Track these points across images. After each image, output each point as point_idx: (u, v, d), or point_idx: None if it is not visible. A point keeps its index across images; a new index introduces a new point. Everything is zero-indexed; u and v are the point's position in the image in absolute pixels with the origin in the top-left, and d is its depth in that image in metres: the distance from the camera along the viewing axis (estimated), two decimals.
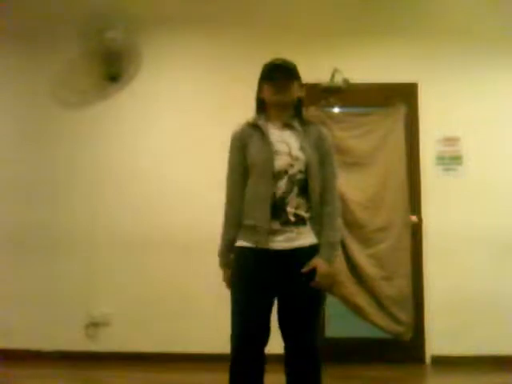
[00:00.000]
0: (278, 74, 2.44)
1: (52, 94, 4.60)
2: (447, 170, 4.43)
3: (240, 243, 2.42)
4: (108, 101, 4.57)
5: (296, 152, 2.39)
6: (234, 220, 2.45)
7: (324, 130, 2.54)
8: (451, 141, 4.43)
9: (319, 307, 2.44)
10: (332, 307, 4.35)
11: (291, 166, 2.37)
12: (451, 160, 4.43)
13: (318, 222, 2.41)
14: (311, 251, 2.38)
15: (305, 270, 2.34)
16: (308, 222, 2.41)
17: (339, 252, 2.53)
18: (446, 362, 4.20)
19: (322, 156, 2.45)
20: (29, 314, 4.37)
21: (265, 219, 2.34)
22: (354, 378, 3.91)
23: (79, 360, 4.24)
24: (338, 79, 4.41)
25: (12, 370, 4.03)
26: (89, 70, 4.55)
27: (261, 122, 2.46)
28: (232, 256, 2.45)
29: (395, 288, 4.23)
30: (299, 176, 2.38)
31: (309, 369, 2.48)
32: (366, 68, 4.47)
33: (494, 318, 4.25)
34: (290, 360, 2.48)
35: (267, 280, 2.35)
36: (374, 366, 4.15)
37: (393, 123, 4.42)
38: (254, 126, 2.48)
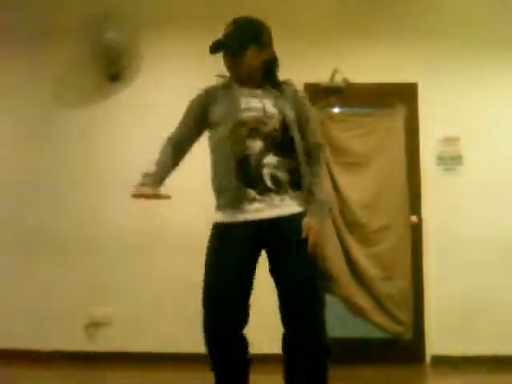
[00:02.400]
0: (221, 51, 2.27)
1: (52, 93, 4.60)
2: (447, 169, 4.43)
3: (216, 219, 2.23)
4: (108, 101, 4.57)
5: (270, 108, 2.17)
6: (169, 156, 2.37)
7: (299, 89, 2.33)
8: (451, 141, 4.43)
9: (317, 288, 2.26)
10: (332, 307, 4.35)
11: (264, 123, 2.14)
12: (451, 160, 4.43)
13: (304, 187, 2.18)
14: (292, 221, 2.15)
15: (303, 235, 2.11)
16: (289, 188, 2.18)
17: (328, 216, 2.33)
18: (446, 362, 4.20)
19: (301, 114, 2.24)
20: (29, 314, 4.37)
21: (231, 185, 2.12)
22: (354, 378, 3.91)
23: (79, 360, 4.24)
24: (338, 79, 4.41)
25: (12, 370, 4.02)
26: (89, 70, 4.55)
27: (230, 81, 2.28)
28: (154, 182, 2.32)
29: (395, 288, 4.23)
30: (275, 134, 2.15)
31: (312, 369, 2.16)
32: (366, 68, 4.46)
33: (494, 318, 4.25)
34: (293, 350, 2.21)
35: (244, 253, 2.16)
36: (374, 366, 4.14)
37: (393, 123, 4.42)
38: (222, 84, 2.30)
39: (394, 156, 4.37)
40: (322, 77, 4.41)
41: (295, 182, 2.20)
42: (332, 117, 4.44)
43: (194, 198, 4.39)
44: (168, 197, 2.30)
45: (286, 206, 2.17)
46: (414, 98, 4.47)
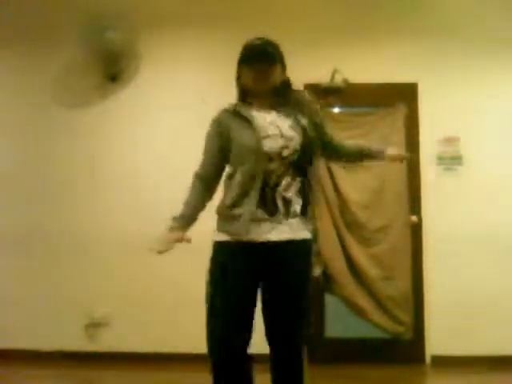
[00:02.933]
0: (258, 59, 2.24)
1: (52, 93, 4.60)
2: (447, 169, 4.43)
3: (219, 237, 2.24)
4: (108, 101, 4.57)
5: (288, 132, 2.21)
6: (200, 195, 2.30)
7: (308, 96, 2.41)
8: (451, 141, 4.43)
9: (305, 309, 2.26)
10: (332, 307, 4.36)
11: (285, 147, 2.18)
12: (451, 160, 4.43)
13: (308, 208, 2.23)
14: (302, 247, 2.20)
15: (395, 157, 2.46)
16: (300, 213, 2.22)
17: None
18: (446, 362, 4.20)
19: (317, 122, 2.32)
20: (29, 314, 4.37)
21: (252, 211, 2.14)
22: (353, 378, 3.91)
23: (79, 360, 4.24)
24: (338, 79, 4.41)
25: (12, 370, 4.03)
26: (89, 70, 4.55)
27: (242, 109, 2.27)
28: (185, 225, 2.28)
29: (395, 288, 4.23)
30: (294, 156, 2.19)
31: (294, 371, 2.25)
32: (366, 68, 4.46)
33: (494, 318, 4.25)
34: (275, 363, 2.26)
35: (250, 275, 2.17)
36: (374, 366, 4.14)
37: (393, 123, 4.41)
38: (234, 113, 2.29)
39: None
40: (322, 77, 4.41)
41: (304, 206, 2.24)
42: (332, 117, 4.44)
43: None
44: (189, 241, 2.30)
45: (293, 230, 2.20)
46: (414, 97, 4.46)
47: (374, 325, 4.23)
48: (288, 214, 2.19)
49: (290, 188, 2.20)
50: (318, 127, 2.31)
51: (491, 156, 4.42)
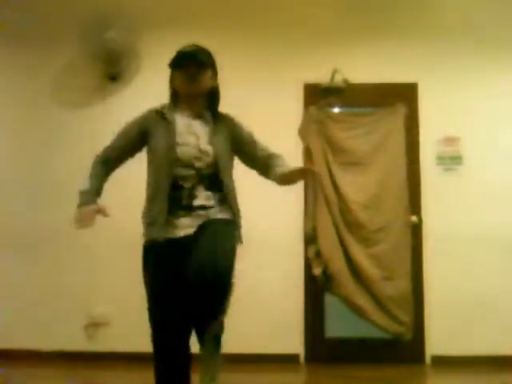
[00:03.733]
0: (188, 62, 2.30)
1: (52, 94, 4.60)
2: (447, 169, 4.43)
3: (145, 238, 2.35)
4: (108, 101, 4.57)
5: (205, 145, 2.27)
6: (102, 175, 2.44)
7: (236, 119, 2.44)
8: (451, 141, 4.43)
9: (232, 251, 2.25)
10: (332, 307, 4.36)
11: (197, 159, 2.25)
12: (451, 160, 4.43)
13: (229, 206, 2.29)
14: (221, 221, 2.24)
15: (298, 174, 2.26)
16: (215, 207, 2.27)
17: None
18: (445, 362, 4.20)
19: (244, 136, 2.38)
20: (29, 313, 4.37)
21: (163, 210, 2.22)
22: (354, 378, 3.91)
23: (79, 360, 4.24)
24: (338, 79, 4.41)
25: (12, 370, 4.02)
26: (89, 70, 4.55)
27: (168, 111, 2.34)
28: (96, 197, 2.42)
29: (395, 288, 4.23)
30: (208, 170, 2.26)
31: (209, 352, 2.23)
32: (366, 68, 4.47)
33: (494, 318, 4.25)
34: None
35: (176, 269, 2.20)
36: (374, 366, 4.14)
37: (393, 123, 4.42)
38: (160, 114, 2.35)
39: (393, 156, 4.37)
40: (322, 77, 4.42)
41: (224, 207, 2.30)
42: (332, 117, 4.44)
43: None
44: (106, 214, 2.43)
45: (212, 215, 2.26)
46: (414, 97, 4.47)
47: (374, 325, 4.23)
48: (200, 214, 2.25)
49: (207, 199, 2.26)
50: (246, 141, 2.38)
51: (491, 156, 4.42)
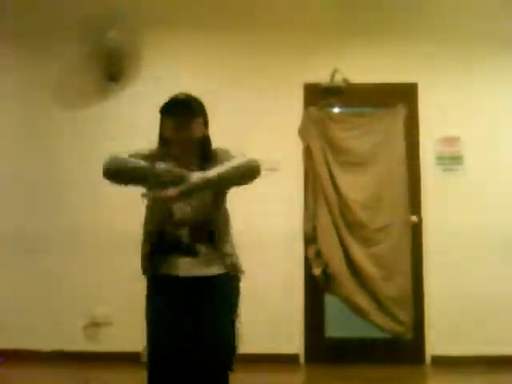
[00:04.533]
0: (179, 110, 2.24)
1: (52, 94, 4.60)
2: (447, 170, 4.43)
3: (147, 273, 2.39)
4: (108, 101, 4.57)
5: (196, 199, 2.19)
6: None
7: (226, 152, 2.28)
8: (451, 141, 4.43)
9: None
10: (332, 307, 4.36)
11: (190, 214, 2.22)
12: (451, 160, 4.43)
13: (224, 254, 2.24)
14: (214, 282, 2.22)
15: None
16: (214, 255, 2.24)
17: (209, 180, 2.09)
18: (446, 362, 4.20)
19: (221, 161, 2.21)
20: (29, 314, 4.37)
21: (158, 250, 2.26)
22: (354, 378, 3.91)
23: (79, 360, 4.24)
24: (338, 79, 4.41)
25: (12, 370, 4.03)
26: (89, 70, 4.55)
27: (158, 156, 2.27)
28: None
29: (395, 288, 4.23)
30: (202, 224, 2.22)
31: None
32: (366, 68, 4.46)
33: (494, 318, 4.25)
34: None
35: (169, 308, 2.22)
36: (374, 365, 4.14)
37: (393, 123, 4.42)
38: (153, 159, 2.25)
39: (393, 156, 4.37)
40: (322, 77, 4.41)
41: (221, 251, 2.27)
42: (332, 117, 4.44)
43: None
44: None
45: (211, 269, 2.23)
46: (414, 98, 4.47)
47: (374, 325, 4.23)
48: (203, 257, 2.23)
49: (202, 249, 2.23)
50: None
51: (491, 156, 4.42)
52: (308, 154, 4.34)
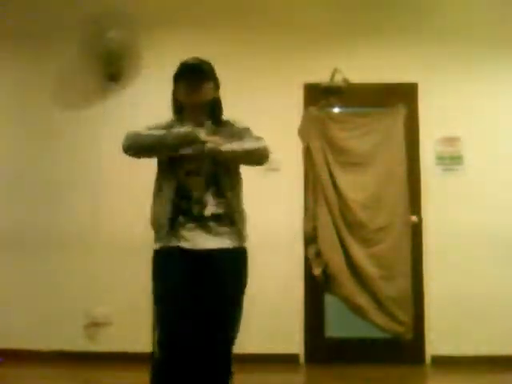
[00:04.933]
0: (191, 74, 2.37)
1: (52, 94, 4.60)
2: (447, 170, 4.43)
3: (155, 246, 2.38)
4: (108, 101, 4.57)
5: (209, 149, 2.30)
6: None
7: (239, 124, 2.46)
8: (451, 141, 4.43)
9: (235, 314, 2.35)
10: (332, 307, 4.36)
11: (203, 163, 2.32)
12: (451, 160, 4.43)
13: (236, 222, 2.34)
14: (229, 255, 2.32)
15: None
16: (225, 221, 2.33)
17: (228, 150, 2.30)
18: (446, 362, 4.20)
19: (238, 135, 2.38)
20: (28, 314, 4.37)
21: (172, 219, 2.29)
22: (354, 378, 3.91)
23: (79, 360, 4.24)
24: (338, 79, 4.41)
25: (12, 370, 4.03)
26: (89, 70, 4.55)
27: (174, 124, 2.41)
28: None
29: (395, 288, 4.23)
30: (214, 175, 2.34)
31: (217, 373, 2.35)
32: (366, 68, 4.46)
33: (494, 318, 4.25)
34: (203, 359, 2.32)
35: (181, 279, 2.28)
36: (374, 366, 4.14)
37: (393, 123, 4.42)
38: (167, 126, 2.43)
39: (393, 156, 4.37)
40: (322, 77, 4.41)
41: (231, 220, 2.36)
42: (332, 117, 4.44)
43: None
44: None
45: (222, 239, 2.33)
46: (414, 98, 4.47)
47: (374, 325, 4.23)
48: (215, 223, 2.32)
49: (216, 204, 2.33)
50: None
51: (491, 156, 4.42)
52: (308, 154, 4.34)
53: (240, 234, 2.36)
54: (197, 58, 2.42)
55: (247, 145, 2.33)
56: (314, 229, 4.27)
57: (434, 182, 4.40)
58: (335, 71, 4.41)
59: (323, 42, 4.52)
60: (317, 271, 4.20)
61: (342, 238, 4.26)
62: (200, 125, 2.35)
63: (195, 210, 2.31)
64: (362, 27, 4.53)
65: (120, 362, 4.18)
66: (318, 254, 4.24)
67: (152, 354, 2.35)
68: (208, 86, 2.38)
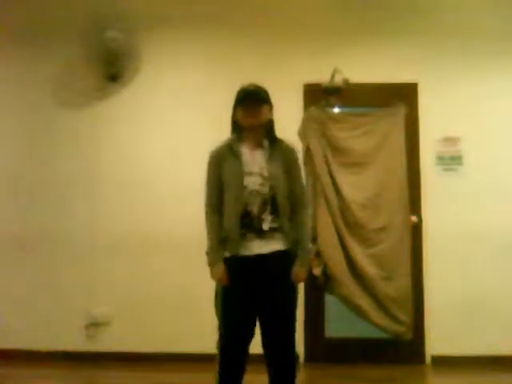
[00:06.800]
0: (250, 101, 2.69)
1: (52, 94, 4.60)
2: (447, 169, 4.43)
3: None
4: (108, 101, 4.57)
5: (266, 171, 2.66)
6: (215, 227, 2.72)
7: (291, 145, 2.81)
8: (451, 141, 4.43)
9: (293, 308, 2.83)
10: (332, 307, 4.36)
11: (262, 185, 2.64)
12: (451, 160, 4.43)
13: (286, 232, 2.66)
14: (280, 256, 2.66)
15: (292, 279, 2.70)
16: (278, 232, 2.66)
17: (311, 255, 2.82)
18: (446, 362, 4.20)
19: (288, 166, 2.72)
20: (29, 314, 4.38)
21: (235, 231, 2.61)
22: (354, 378, 3.91)
23: (79, 360, 4.25)
24: (338, 79, 4.41)
25: (12, 370, 4.03)
26: (89, 69, 4.55)
27: (235, 145, 2.72)
28: (221, 252, 2.68)
29: (395, 288, 4.23)
30: (270, 194, 2.64)
31: (285, 374, 2.73)
32: (366, 68, 4.47)
33: (494, 318, 4.25)
34: (269, 363, 2.70)
35: (246, 284, 2.62)
36: (374, 366, 4.15)
37: (393, 123, 4.41)
38: (229, 148, 2.72)
39: (393, 156, 4.37)
40: (322, 77, 4.41)
41: (281, 228, 2.70)
42: (332, 117, 4.44)
43: (195, 198, 4.38)
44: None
45: (273, 245, 2.67)
46: (414, 98, 4.47)
47: (374, 325, 4.23)
48: (269, 236, 2.66)
49: (271, 221, 2.66)
50: (290, 178, 2.73)
51: (491, 156, 4.42)
52: (308, 154, 4.34)
53: (289, 239, 2.70)
54: (254, 85, 2.75)
55: (308, 231, 2.77)
56: (314, 229, 4.27)
57: (434, 182, 4.40)
58: (335, 71, 4.41)
59: (323, 42, 4.52)
60: (317, 271, 4.20)
61: (342, 238, 4.26)
62: (258, 144, 2.71)
63: (255, 224, 2.64)
64: (362, 27, 4.53)
65: (120, 362, 4.18)
66: (318, 254, 4.23)
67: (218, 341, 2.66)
68: (264, 110, 2.71)
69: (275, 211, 2.65)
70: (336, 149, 4.37)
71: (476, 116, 4.45)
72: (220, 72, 4.54)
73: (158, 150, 4.51)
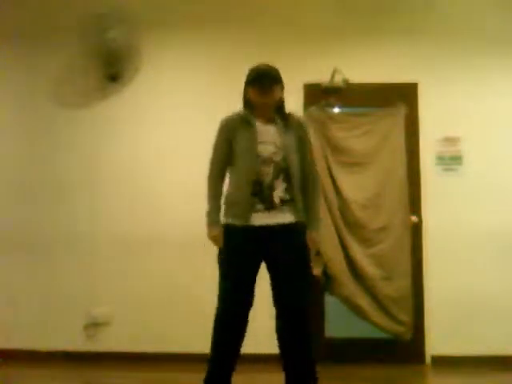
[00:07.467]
0: (264, 80, 2.78)
1: (52, 94, 4.61)
2: (447, 169, 4.43)
3: (225, 221, 2.79)
4: (108, 101, 4.57)
5: (279, 142, 2.76)
6: (218, 191, 2.82)
7: (302, 119, 2.97)
8: (451, 141, 4.43)
9: (307, 270, 2.82)
10: (332, 307, 4.36)
11: (275, 153, 2.73)
12: (451, 160, 4.44)
13: (297, 203, 2.77)
14: (289, 227, 2.75)
15: (309, 247, 2.78)
16: (289, 204, 2.75)
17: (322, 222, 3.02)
18: (446, 362, 4.20)
19: (301, 140, 2.84)
20: (29, 314, 4.38)
21: (246, 200, 2.69)
22: (354, 378, 3.91)
23: (79, 360, 4.25)
24: (338, 79, 4.41)
25: (12, 370, 4.03)
26: (89, 69, 4.55)
27: (248, 116, 2.81)
28: (218, 217, 2.78)
29: (395, 288, 4.23)
30: (283, 164, 2.74)
31: (299, 329, 2.81)
32: (366, 68, 4.47)
33: (494, 318, 4.25)
34: (281, 324, 2.88)
35: (251, 252, 2.71)
36: (374, 366, 4.15)
37: (393, 123, 4.42)
38: (242, 118, 2.82)
39: (393, 156, 4.37)
40: (322, 77, 4.42)
41: (293, 200, 2.80)
42: (332, 117, 4.44)
43: (195, 197, 4.38)
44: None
45: (284, 216, 2.76)
46: (414, 98, 4.47)
47: (374, 325, 4.23)
48: (280, 205, 2.75)
49: (283, 191, 2.75)
50: (301, 151, 2.84)
51: (491, 156, 4.42)
52: None
53: (299, 211, 2.80)
54: (266, 65, 2.84)
55: (319, 200, 2.96)
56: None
57: (434, 182, 4.40)
58: (335, 71, 4.41)
59: (323, 42, 4.52)
60: (317, 271, 4.20)
61: (342, 238, 4.27)
62: (270, 120, 2.81)
63: (265, 193, 2.72)
64: (362, 27, 4.53)
65: (120, 362, 4.18)
66: (318, 254, 4.24)
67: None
68: (277, 89, 2.81)
69: (288, 181, 2.73)
70: (336, 149, 4.37)
71: (476, 116, 4.45)
72: (220, 72, 4.55)
73: (158, 149, 4.51)
